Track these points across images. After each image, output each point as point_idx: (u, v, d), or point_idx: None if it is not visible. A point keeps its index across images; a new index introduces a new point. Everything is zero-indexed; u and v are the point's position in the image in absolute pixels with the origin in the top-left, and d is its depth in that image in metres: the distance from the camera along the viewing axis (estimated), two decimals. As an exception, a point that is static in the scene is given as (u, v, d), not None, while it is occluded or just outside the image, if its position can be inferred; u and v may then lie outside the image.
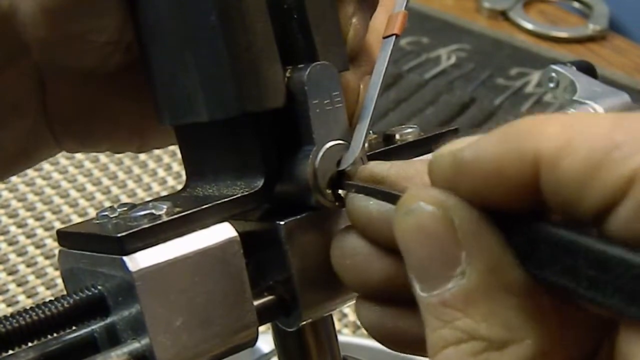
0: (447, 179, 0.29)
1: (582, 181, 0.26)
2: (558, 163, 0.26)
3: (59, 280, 0.82)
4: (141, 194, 0.97)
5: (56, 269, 0.86)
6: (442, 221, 0.28)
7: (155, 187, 0.99)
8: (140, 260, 0.32)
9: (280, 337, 0.41)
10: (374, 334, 0.35)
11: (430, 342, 0.29)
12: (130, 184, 0.99)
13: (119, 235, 0.32)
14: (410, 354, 0.35)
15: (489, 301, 0.28)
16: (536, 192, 0.27)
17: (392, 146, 0.40)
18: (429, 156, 0.32)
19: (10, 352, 0.32)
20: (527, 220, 0.28)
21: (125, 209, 0.35)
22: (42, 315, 0.32)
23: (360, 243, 0.35)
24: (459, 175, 0.29)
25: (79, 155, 1.01)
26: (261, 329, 0.35)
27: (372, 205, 0.34)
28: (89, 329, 0.34)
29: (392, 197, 0.32)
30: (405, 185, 0.33)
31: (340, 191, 0.36)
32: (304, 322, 0.37)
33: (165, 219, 0.33)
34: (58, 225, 0.91)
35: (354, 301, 0.36)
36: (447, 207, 0.29)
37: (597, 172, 0.26)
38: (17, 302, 0.84)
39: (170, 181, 1.00)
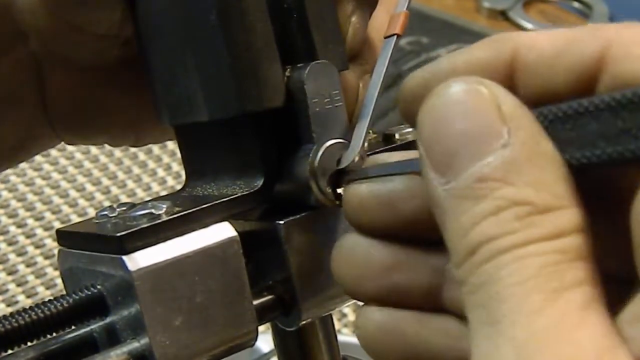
0: (419, 89, 0.30)
1: (558, 53, 0.28)
2: (533, 48, 0.29)
3: (59, 280, 0.82)
4: (141, 194, 0.97)
5: (55, 268, 0.86)
6: (488, 96, 0.27)
7: (155, 187, 0.99)
8: (139, 259, 0.32)
9: (279, 337, 0.41)
10: (375, 346, 0.34)
11: (456, 228, 0.27)
12: (130, 184, 0.99)
13: (118, 234, 0.32)
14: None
15: (534, 169, 0.27)
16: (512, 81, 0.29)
17: (391, 145, 0.40)
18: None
19: (10, 351, 0.32)
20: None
21: (125, 208, 0.35)
22: (42, 315, 0.32)
23: (358, 239, 0.34)
24: (432, 83, 0.29)
25: (78, 155, 1.01)
26: (261, 328, 0.35)
27: (363, 188, 0.33)
28: (88, 328, 0.34)
29: (388, 168, 0.32)
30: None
31: (339, 190, 0.36)
32: (304, 322, 0.37)
33: (164, 218, 0.33)
34: (57, 225, 0.91)
35: (354, 301, 0.36)
36: (489, 84, 0.28)
37: (573, 43, 0.28)
38: (17, 302, 0.84)
39: (170, 181, 1.00)
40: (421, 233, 0.32)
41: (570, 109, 0.27)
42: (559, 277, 0.25)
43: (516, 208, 0.26)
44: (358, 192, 0.33)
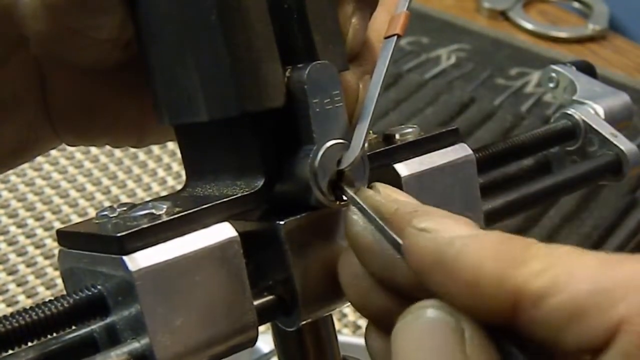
0: (425, 264, 0.29)
1: (563, 325, 0.26)
2: (540, 303, 0.27)
3: (59, 280, 0.82)
4: (141, 194, 0.97)
5: (56, 269, 0.86)
6: (454, 331, 0.28)
7: (155, 187, 0.99)
8: (140, 259, 0.32)
9: (280, 337, 0.41)
10: None
11: None
12: (130, 184, 0.99)
13: (118, 234, 0.32)
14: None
15: None
16: (511, 322, 0.28)
17: (392, 146, 0.40)
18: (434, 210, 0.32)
19: (10, 351, 0.32)
20: (500, 337, 0.28)
21: (125, 208, 0.35)
22: (42, 315, 0.32)
23: (361, 271, 0.34)
24: (436, 268, 0.29)
25: (79, 155, 1.01)
26: (261, 329, 0.35)
27: (368, 234, 0.33)
28: (88, 328, 0.34)
29: (392, 240, 0.32)
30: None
31: (346, 190, 0.36)
32: (304, 322, 0.37)
33: (165, 218, 0.33)
34: (58, 225, 0.91)
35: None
36: (458, 316, 0.28)
37: (580, 317, 0.26)
38: (17, 302, 0.84)
39: (170, 181, 1.00)
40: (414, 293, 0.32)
41: None
42: None
43: None
44: (366, 240, 0.34)
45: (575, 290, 0.26)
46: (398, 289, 0.33)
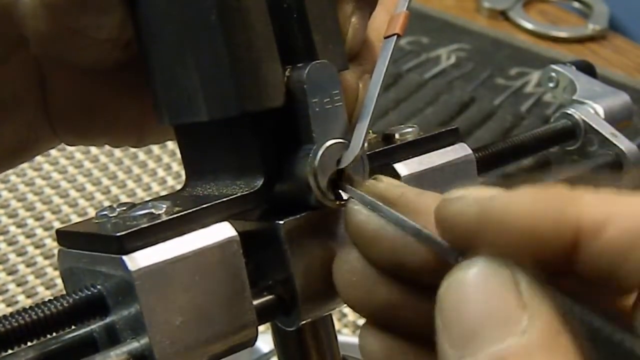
0: (469, 228, 0.29)
1: (623, 256, 0.26)
2: (599, 234, 0.27)
3: (59, 280, 0.82)
4: (141, 194, 0.97)
5: (55, 268, 0.86)
6: (509, 280, 0.27)
7: (155, 187, 0.99)
8: (139, 259, 0.32)
9: (279, 337, 0.41)
10: None
11: None
12: (130, 184, 0.99)
13: (118, 234, 0.32)
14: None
15: (550, 357, 0.27)
16: (569, 259, 0.27)
17: (391, 146, 0.40)
18: (437, 195, 0.31)
19: (10, 351, 0.32)
20: (555, 288, 0.28)
21: (125, 208, 0.35)
22: (42, 315, 0.32)
23: (362, 264, 0.34)
24: (484, 226, 0.28)
25: (78, 155, 1.01)
26: (261, 328, 0.35)
27: (373, 221, 0.33)
28: (88, 328, 0.34)
29: (406, 224, 0.31)
30: (414, 218, 0.32)
31: (346, 186, 0.35)
32: (304, 322, 0.37)
33: (164, 218, 0.33)
34: (57, 225, 0.91)
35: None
36: (512, 267, 0.28)
37: (637, 247, 0.26)
38: (17, 302, 0.84)
39: (170, 181, 1.00)
40: (424, 279, 0.31)
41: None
42: None
43: None
44: (368, 227, 0.33)
45: (631, 221, 0.26)
46: (408, 275, 0.32)
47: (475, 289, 0.28)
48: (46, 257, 0.89)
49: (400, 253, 0.32)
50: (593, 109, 0.50)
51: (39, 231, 0.91)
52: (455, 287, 0.28)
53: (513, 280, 0.27)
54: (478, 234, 0.28)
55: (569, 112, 0.50)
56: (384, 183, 0.35)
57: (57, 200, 0.95)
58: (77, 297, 0.33)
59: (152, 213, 0.34)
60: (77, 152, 1.01)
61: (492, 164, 0.46)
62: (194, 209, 0.34)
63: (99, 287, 0.33)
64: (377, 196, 0.33)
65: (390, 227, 0.32)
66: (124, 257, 0.32)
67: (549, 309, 0.27)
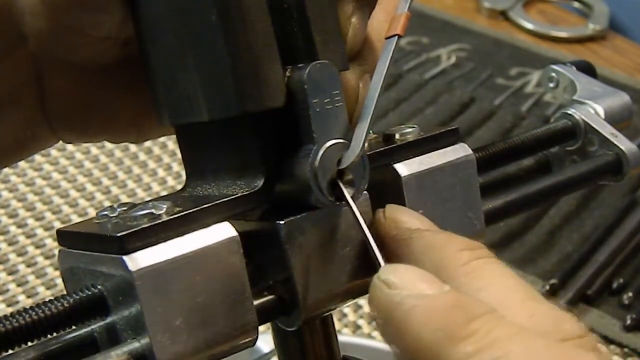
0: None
1: None
2: None
3: (59, 280, 0.82)
4: (141, 194, 0.97)
5: (56, 268, 0.86)
6: None
7: (155, 187, 0.98)
8: (140, 259, 0.32)
9: (280, 337, 0.41)
10: None
11: None
12: (130, 184, 0.99)
13: (118, 234, 0.32)
14: None
15: None
16: None
17: (392, 146, 0.40)
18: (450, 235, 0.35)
19: (10, 351, 0.32)
20: None
21: (125, 208, 0.35)
22: (42, 315, 0.32)
23: None
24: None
25: (79, 155, 1.01)
26: (261, 328, 0.35)
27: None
28: (88, 328, 0.34)
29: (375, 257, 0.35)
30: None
31: (346, 192, 0.36)
32: (304, 322, 0.37)
33: (165, 218, 0.33)
34: (58, 225, 0.91)
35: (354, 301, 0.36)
36: None
37: None
38: (17, 302, 0.84)
39: (170, 181, 0.99)
40: None
41: None
42: None
43: None
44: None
45: None
46: None
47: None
48: (47, 257, 0.88)
49: None
50: (593, 109, 0.50)
51: (40, 231, 0.91)
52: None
53: None
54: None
55: (569, 112, 0.50)
56: (402, 218, 0.37)
57: (57, 200, 0.95)
58: (77, 297, 0.33)
59: (152, 213, 0.34)
60: (77, 152, 1.01)
61: (492, 164, 0.46)
62: (194, 209, 0.34)
63: (99, 287, 0.33)
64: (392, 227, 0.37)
65: None
66: (125, 257, 0.32)
67: None
